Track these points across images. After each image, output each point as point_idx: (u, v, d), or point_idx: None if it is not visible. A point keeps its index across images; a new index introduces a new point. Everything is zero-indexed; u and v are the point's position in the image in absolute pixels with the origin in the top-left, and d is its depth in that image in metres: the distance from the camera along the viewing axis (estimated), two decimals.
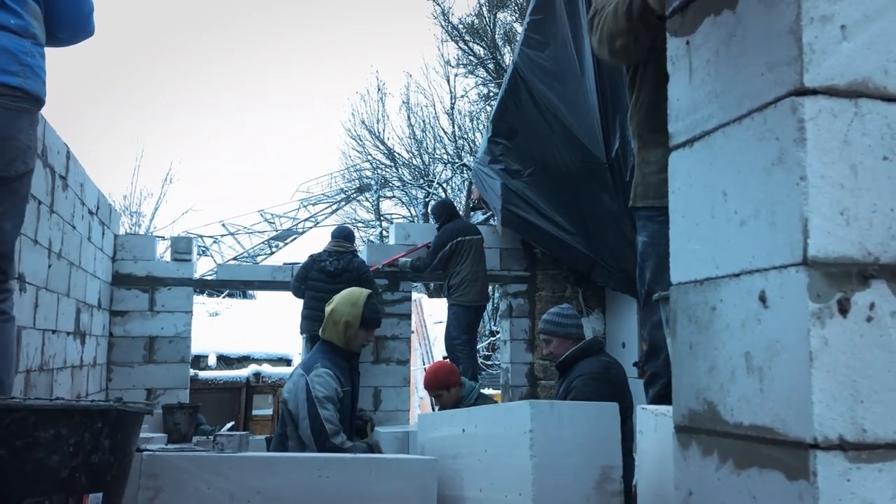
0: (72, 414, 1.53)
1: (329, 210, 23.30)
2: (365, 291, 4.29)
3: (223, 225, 23.23)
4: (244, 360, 12.69)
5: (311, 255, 6.80)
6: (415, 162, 19.68)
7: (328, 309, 4.13)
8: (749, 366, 1.17)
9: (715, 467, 1.24)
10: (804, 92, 1.10)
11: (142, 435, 3.69)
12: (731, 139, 1.24)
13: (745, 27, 1.22)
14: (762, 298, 1.15)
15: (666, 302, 1.60)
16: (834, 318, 1.06)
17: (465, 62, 18.42)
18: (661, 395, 2.04)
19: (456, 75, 18.98)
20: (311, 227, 23.63)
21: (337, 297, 4.20)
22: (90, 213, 5.67)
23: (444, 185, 18.87)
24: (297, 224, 23.66)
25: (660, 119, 1.44)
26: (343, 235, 6.93)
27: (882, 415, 1.06)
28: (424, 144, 19.53)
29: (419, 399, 11.31)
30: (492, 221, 8.18)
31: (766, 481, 1.12)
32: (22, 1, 2.49)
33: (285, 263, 7.99)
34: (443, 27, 18.12)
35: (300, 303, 6.76)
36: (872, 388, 1.07)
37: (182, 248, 7.19)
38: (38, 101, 2.55)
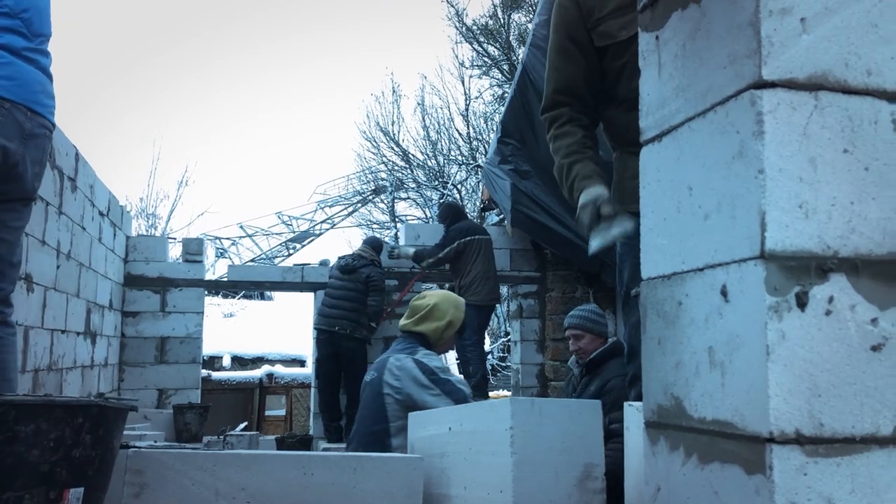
0: (52, 409, 1.55)
1: (346, 212, 23.38)
2: (461, 298, 4.07)
3: (241, 227, 23.37)
4: (258, 361, 12.77)
5: (339, 257, 7.19)
6: (429, 163, 19.72)
7: (425, 303, 3.80)
8: (712, 360, 1.17)
9: (681, 462, 1.23)
10: (763, 85, 1.09)
11: (135, 433, 3.73)
12: (696, 133, 1.23)
13: (709, 21, 1.21)
14: (723, 292, 1.14)
15: None
16: (792, 312, 1.06)
17: (479, 63, 18.44)
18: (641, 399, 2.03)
19: (470, 77, 19.00)
20: (328, 229, 23.73)
21: (436, 296, 3.89)
22: (101, 214, 5.73)
23: (459, 186, 18.88)
24: (314, 226, 23.76)
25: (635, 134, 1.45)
26: (370, 243, 7.31)
27: (840, 409, 1.06)
28: (439, 146, 19.57)
29: None
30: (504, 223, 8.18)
31: (726, 476, 1.12)
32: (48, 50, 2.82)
33: (295, 265, 8.06)
34: (457, 28, 18.13)
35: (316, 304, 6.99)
36: (831, 382, 1.06)
37: (193, 250, 7.25)
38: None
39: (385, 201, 21.55)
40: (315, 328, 6.94)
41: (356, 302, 6.76)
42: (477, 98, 19.24)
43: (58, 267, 4.53)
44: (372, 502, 1.95)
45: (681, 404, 1.24)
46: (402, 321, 3.84)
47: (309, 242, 23.84)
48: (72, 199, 4.79)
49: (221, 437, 5.60)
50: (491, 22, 18.07)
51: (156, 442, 2.56)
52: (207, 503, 1.92)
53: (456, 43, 18.97)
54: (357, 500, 1.94)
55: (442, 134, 19.70)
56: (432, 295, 3.92)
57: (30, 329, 4.01)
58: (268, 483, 1.90)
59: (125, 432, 3.55)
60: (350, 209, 23.24)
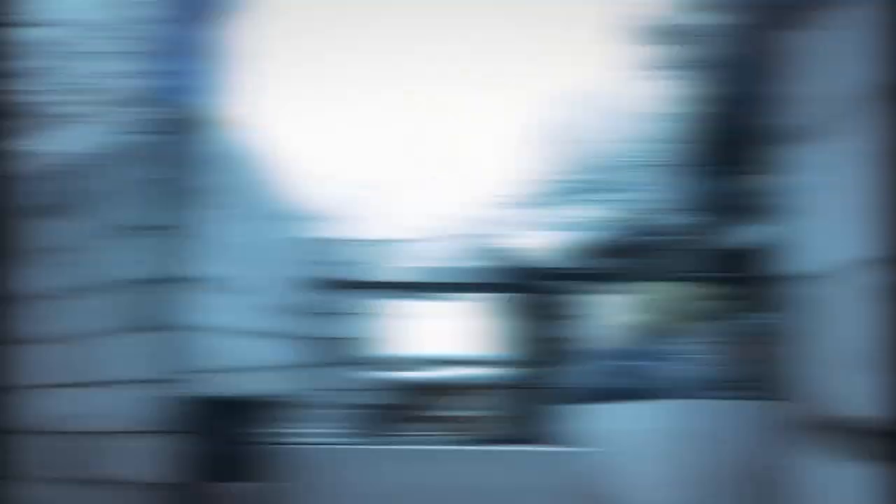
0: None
1: None
2: None
3: None
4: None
5: None
6: None
7: None
8: (865, 358, 1.24)
9: (829, 459, 1.34)
10: None
11: (310, 429, 3.44)
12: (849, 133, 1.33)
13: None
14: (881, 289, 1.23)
15: None
16: None
17: None
18: None
19: None
20: None
21: None
22: None
23: None
24: None
25: None
26: None
27: None
28: None
29: None
30: None
31: (864, 471, 1.24)
32: None
33: None
34: None
35: None
36: None
37: None
38: None
39: None
40: None
41: None
42: None
43: None
44: (537, 493, 2.16)
45: (831, 402, 1.31)
46: None
47: None
48: None
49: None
50: None
51: (326, 438, 2.58)
52: (370, 497, 2.18)
53: None
54: (524, 490, 2.17)
55: None
56: None
57: None
58: (433, 476, 2.15)
59: (300, 428, 3.22)
60: None
